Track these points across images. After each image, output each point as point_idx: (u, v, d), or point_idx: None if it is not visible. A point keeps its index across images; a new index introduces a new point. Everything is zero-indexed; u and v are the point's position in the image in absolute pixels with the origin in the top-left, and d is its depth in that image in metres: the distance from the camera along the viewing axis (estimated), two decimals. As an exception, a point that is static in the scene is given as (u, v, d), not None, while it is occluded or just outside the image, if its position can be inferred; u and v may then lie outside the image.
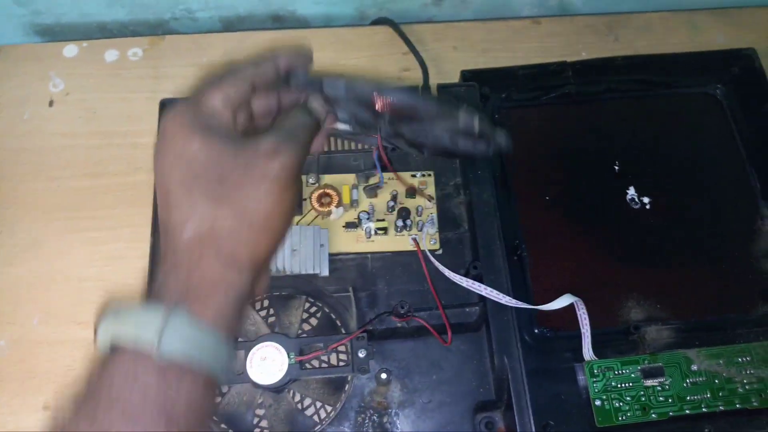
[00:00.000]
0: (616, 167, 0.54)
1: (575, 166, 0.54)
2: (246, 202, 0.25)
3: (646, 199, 0.52)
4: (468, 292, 0.45)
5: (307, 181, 0.52)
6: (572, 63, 0.54)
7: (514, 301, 0.45)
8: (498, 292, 0.44)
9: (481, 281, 0.45)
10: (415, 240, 0.50)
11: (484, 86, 0.53)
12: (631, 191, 0.52)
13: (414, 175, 0.52)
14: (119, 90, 0.57)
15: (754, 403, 0.44)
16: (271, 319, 0.46)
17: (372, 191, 0.51)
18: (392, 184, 0.52)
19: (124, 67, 0.58)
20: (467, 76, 0.53)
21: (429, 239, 0.50)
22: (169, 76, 0.58)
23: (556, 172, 0.53)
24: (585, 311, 0.45)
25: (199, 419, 0.24)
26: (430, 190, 0.52)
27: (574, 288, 0.46)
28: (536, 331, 0.47)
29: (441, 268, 0.48)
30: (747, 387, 0.44)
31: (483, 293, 0.44)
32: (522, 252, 0.49)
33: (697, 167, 0.53)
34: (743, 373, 0.44)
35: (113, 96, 0.57)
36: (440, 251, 0.51)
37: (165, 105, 0.52)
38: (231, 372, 0.40)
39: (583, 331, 0.45)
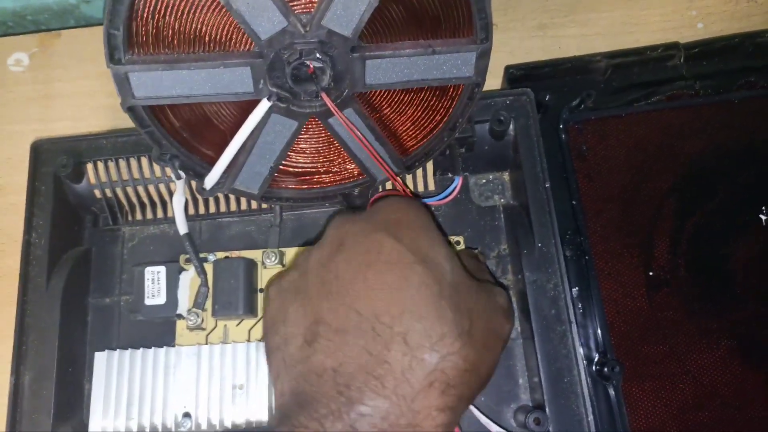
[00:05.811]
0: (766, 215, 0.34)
1: (697, 214, 0.35)
2: (484, 354, 0.25)
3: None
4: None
5: (264, 263, 0.33)
6: (686, 45, 0.37)
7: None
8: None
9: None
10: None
11: (543, 91, 0.36)
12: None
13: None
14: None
15: None
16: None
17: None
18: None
19: (3, 82, 0.42)
20: (515, 75, 0.36)
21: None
22: (66, 94, 0.41)
23: (663, 228, 0.35)
24: None
25: None
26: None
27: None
28: None
29: (477, 414, 0.29)
30: None
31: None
32: (612, 374, 0.31)
33: None
34: None
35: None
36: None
37: (39, 152, 0.34)
38: None
39: None
